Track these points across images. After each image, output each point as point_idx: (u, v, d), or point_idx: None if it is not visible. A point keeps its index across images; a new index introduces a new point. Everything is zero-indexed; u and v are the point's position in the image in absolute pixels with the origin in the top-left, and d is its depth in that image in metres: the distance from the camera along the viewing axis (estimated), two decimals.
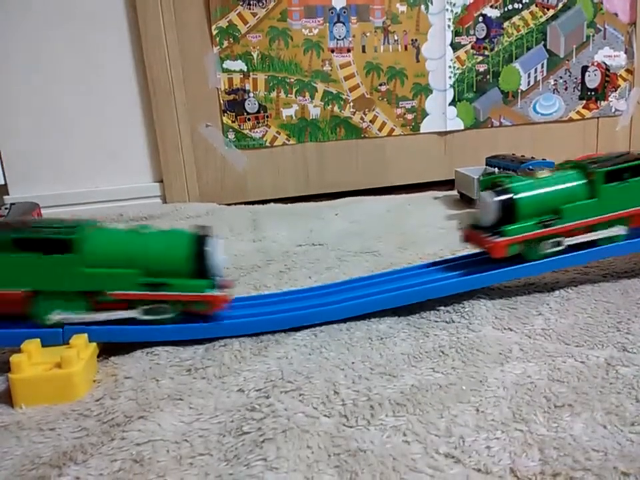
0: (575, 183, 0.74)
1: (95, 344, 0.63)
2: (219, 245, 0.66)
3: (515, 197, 0.72)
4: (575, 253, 0.74)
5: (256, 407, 0.50)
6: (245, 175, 1.56)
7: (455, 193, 1.50)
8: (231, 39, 1.46)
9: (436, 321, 0.69)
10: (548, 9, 1.61)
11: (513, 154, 1.46)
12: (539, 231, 0.72)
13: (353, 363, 0.59)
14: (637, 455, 0.41)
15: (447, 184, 1.65)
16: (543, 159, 1.35)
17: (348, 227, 1.23)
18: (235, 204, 1.55)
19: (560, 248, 0.73)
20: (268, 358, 0.61)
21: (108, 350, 0.65)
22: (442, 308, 0.72)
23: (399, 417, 0.48)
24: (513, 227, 0.71)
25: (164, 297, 0.63)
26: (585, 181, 0.74)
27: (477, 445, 0.44)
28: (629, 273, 0.80)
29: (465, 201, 1.40)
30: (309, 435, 0.46)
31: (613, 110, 1.70)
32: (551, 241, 0.73)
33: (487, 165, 1.50)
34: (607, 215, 0.74)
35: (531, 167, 1.24)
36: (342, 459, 0.43)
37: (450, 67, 1.59)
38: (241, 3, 1.45)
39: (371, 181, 1.64)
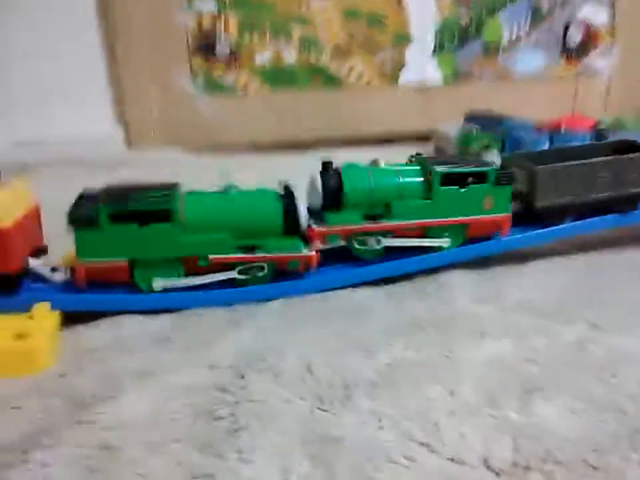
0: (411, 179, 0.70)
1: (57, 312, 0.60)
2: (302, 201, 0.65)
3: (344, 182, 0.67)
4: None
5: (229, 389, 0.49)
6: (214, 122, 1.49)
7: (430, 147, 1.47)
8: None
9: (412, 291, 0.68)
10: None
11: (492, 111, 1.44)
12: (361, 226, 0.68)
13: (328, 337, 0.58)
14: (605, 446, 0.42)
15: (426, 139, 1.62)
16: (520, 119, 1.33)
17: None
18: (202, 149, 1.49)
19: (381, 246, 0.68)
20: (240, 330, 0.60)
21: (72, 318, 0.62)
22: (418, 278, 0.71)
23: (373, 399, 0.48)
24: (335, 215, 0.67)
25: (262, 259, 0.64)
26: (422, 180, 0.70)
27: (451, 432, 0.44)
28: (603, 244, 0.81)
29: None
30: (284, 420, 0.45)
31: (594, 68, 1.67)
32: (376, 238, 0.68)
33: (465, 121, 1.47)
34: (441, 220, 0.69)
35: (510, 126, 1.24)
36: (317, 448, 0.42)
37: (432, 16, 1.53)
38: None
39: (347, 133, 1.60)
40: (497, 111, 1.43)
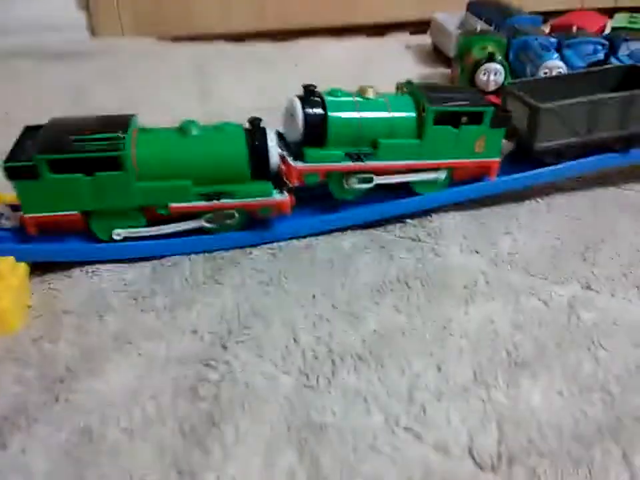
0: (402, 114, 0.62)
1: (24, 264, 0.56)
2: (274, 138, 0.59)
3: (328, 114, 0.59)
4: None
5: (211, 363, 0.48)
6: (188, 2, 1.33)
7: (428, 40, 1.35)
8: None
9: (401, 237, 0.65)
10: None
11: (498, 1, 1.30)
12: (344, 165, 0.61)
13: (313, 297, 0.56)
14: (589, 435, 0.42)
15: (421, 25, 1.48)
16: (530, 14, 1.21)
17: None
18: (176, 38, 1.35)
19: (369, 186, 0.63)
20: (223, 287, 0.57)
21: (43, 267, 0.59)
22: (409, 221, 0.67)
23: (359, 376, 0.47)
24: (315, 152, 0.60)
25: (229, 207, 0.59)
26: (414, 115, 0.63)
27: (437, 417, 0.44)
28: (599, 180, 0.77)
29: (440, 55, 1.27)
30: (268, 405, 0.44)
31: None
32: (359, 176, 0.62)
33: (468, 11, 1.33)
34: (429, 162, 0.64)
35: (516, 26, 1.12)
36: (302, 437, 0.42)
37: None
38: None
39: (336, 18, 1.45)
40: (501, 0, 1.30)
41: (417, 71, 1.19)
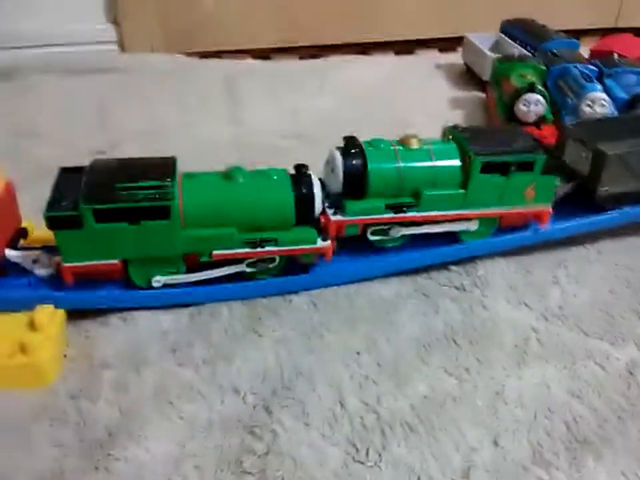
0: (446, 163, 0.60)
1: (62, 311, 0.54)
2: (318, 185, 0.57)
3: (369, 166, 0.58)
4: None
5: (256, 431, 0.45)
6: (215, 16, 1.31)
7: (459, 60, 1.32)
8: None
9: (445, 285, 0.63)
10: None
11: (533, 20, 1.26)
12: (385, 217, 0.59)
13: (358, 354, 0.53)
14: None
15: (449, 41, 1.45)
16: (568, 38, 1.18)
17: (336, 109, 1.08)
18: (205, 54, 1.34)
19: (408, 233, 0.61)
20: (263, 339, 0.55)
21: (78, 313, 0.57)
22: (453, 267, 0.65)
23: (411, 449, 0.45)
24: (355, 205, 0.58)
25: (272, 254, 0.57)
26: (459, 164, 0.60)
27: None
28: None
29: (473, 77, 1.24)
30: None
31: None
32: (399, 227, 0.60)
33: (502, 32, 1.30)
34: (474, 212, 0.61)
35: (553, 50, 1.09)
36: None
37: None
38: None
39: (363, 34, 1.43)
40: (536, 20, 1.27)
41: (449, 94, 1.17)
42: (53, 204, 0.51)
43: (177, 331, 0.56)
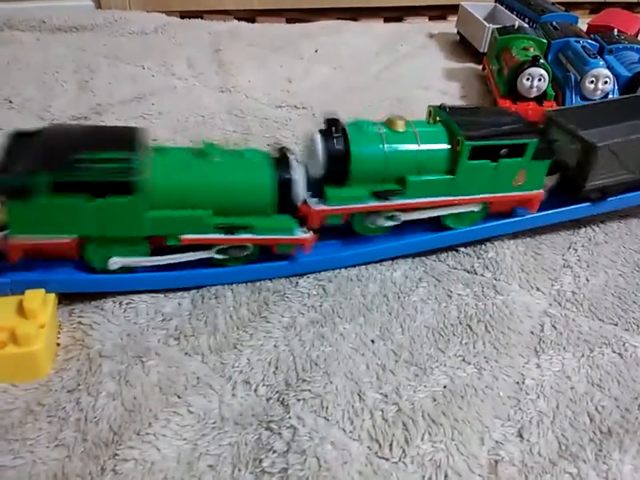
0: (433, 147, 0.56)
1: (54, 295, 0.50)
2: (300, 170, 0.53)
3: (352, 151, 0.54)
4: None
5: (273, 427, 0.43)
6: None
7: (451, 29, 1.28)
8: None
9: (456, 268, 0.61)
10: None
11: None
12: (368, 205, 0.56)
13: (372, 342, 0.51)
14: None
15: (439, 9, 1.41)
16: (566, 11, 1.15)
17: (332, 77, 1.03)
18: (187, 14, 1.26)
19: (395, 223, 0.58)
20: (271, 326, 0.52)
21: (71, 296, 0.52)
22: (462, 249, 0.63)
23: (436, 444, 0.43)
24: (337, 193, 0.55)
25: (245, 242, 0.53)
26: (448, 148, 0.57)
27: None
28: None
29: (467, 47, 1.20)
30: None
31: None
32: (385, 214, 0.57)
33: (497, 2, 1.26)
34: (462, 198, 0.58)
35: (554, 23, 1.06)
36: None
37: None
38: None
39: (353, 2, 1.37)
40: None
41: (444, 66, 1.13)
42: (3, 169, 0.45)
43: (179, 316, 0.52)
